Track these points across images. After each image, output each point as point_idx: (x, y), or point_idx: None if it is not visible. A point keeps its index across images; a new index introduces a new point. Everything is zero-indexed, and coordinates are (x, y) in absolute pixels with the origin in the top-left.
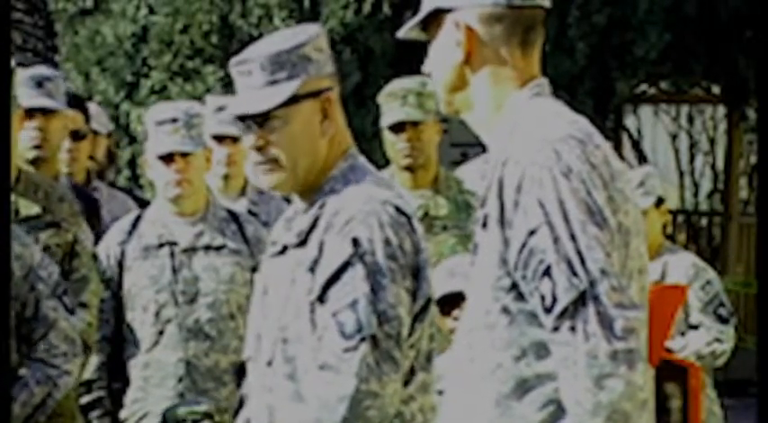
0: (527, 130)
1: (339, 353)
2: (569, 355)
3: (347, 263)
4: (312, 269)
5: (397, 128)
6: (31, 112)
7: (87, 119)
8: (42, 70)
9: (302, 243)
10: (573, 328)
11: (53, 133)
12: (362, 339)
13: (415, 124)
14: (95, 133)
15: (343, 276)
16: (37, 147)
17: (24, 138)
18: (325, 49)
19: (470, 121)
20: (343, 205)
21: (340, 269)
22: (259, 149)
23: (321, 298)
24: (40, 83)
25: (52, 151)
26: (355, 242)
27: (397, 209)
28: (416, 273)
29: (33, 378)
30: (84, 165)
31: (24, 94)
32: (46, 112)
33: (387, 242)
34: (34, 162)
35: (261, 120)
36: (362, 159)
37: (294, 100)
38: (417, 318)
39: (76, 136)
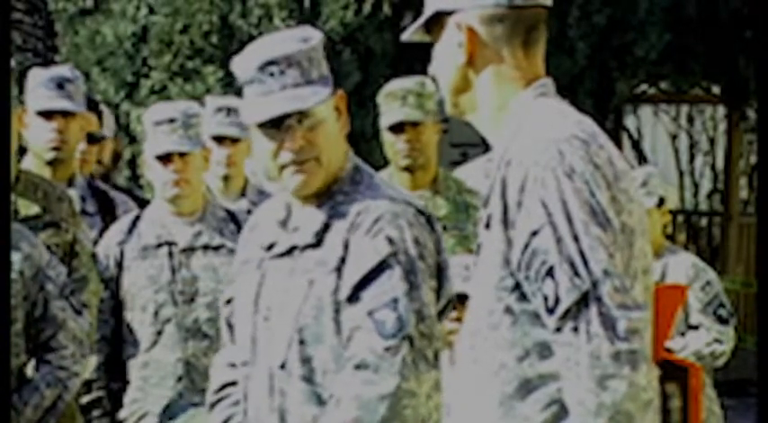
0: (531, 129)
1: (380, 352)
2: (572, 355)
3: (384, 262)
4: (339, 269)
5: (397, 128)
6: (50, 114)
7: (101, 122)
8: (63, 71)
9: (318, 243)
10: (576, 329)
11: (72, 135)
12: (403, 338)
13: (414, 125)
14: (103, 137)
15: (381, 276)
16: (55, 148)
17: (43, 139)
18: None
19: (475, 122)
20: (366, 206)
21: (376, 268)
22: (299, 150)
23: (352, 297)
24: (60, 84)
25: (70, 153)
26: (390, 241)
27: (418, 210)
28: (439, 272)
29: (43, 381)
30: (91, 167)
31: (44, 95)
32: (65, 114)
33: (416, 241)
34: (52, 163)
35: (300, 119)
36: (358, 159)
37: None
38: (439, 317)
39: (91, 139)
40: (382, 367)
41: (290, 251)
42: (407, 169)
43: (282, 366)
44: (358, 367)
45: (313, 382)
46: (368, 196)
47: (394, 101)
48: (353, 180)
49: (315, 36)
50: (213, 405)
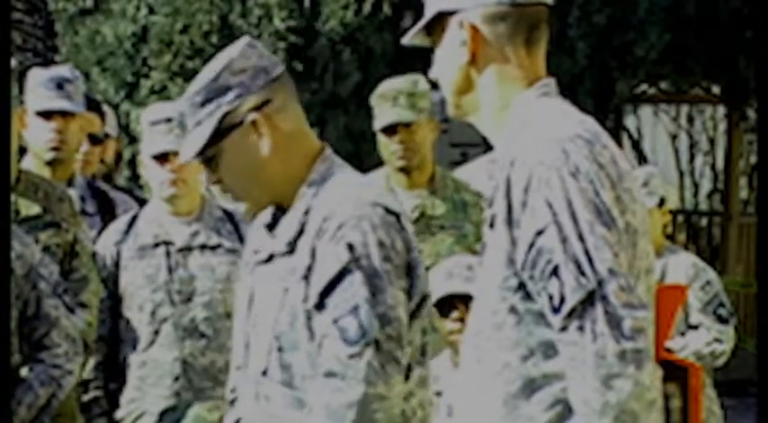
0: (535, 129)
1: (344, 359)
2: (577, 355)
3: (345, 269)
4: (306, 277)
5: (390, 130)
6: (49, 114)
7: (104, 122)
8: (62, 71)
9: (291, 251)
10: (581, 328)
11: (71, 135)
12: (367, 344)
13: (407, 125)
14: (106, 136)
15: (342, 283)
16: (55, 149)
17: (43, 139)
18: (249, 65)
19: (477, 123)
20: (332, 211)
21: (337, 276)
22: (216, 184)
23: (318, 305)
24: (60, 85)
25: (70, 153)
26: (350, 247)
27: (386, 209)
28: (409, 271)
29: (37, 379)
30: (94, 168)
31: (44, 95)
32: (65, 115)
33: (380, 244)
34: (51, 163)
35: (200, 159)
36: (339, 160)
37: (217, 136)
38: (414, 315)
39: (94, 140)
40: (348, 375)
41: (270, 258)
42: (403, 170)
43: (264, 373)
44: (326, 375)
45: (293, 386)
46: (335, 200)
47: (385, 102)
48: (327, 181)
49: (216, 66)
50: (231, 402)
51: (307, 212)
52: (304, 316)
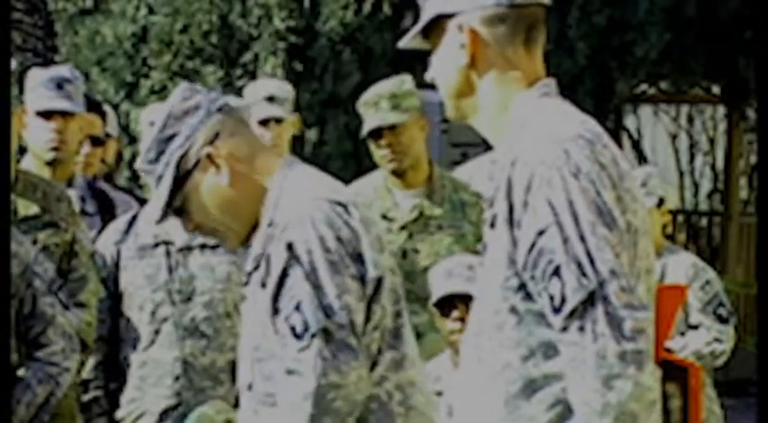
0: (536, 129)
1: (295, 355)
2: (578, 355)
3: (285, 268)
4: (264, 284)
5: (375, 135)
6: (49, 114)
7: (105, 122)
8: (62, 71)
9: (258, 266)
10: (582, 329)
11: (71, 135)
12: (313, 336)
13: (392, 128)
14: (107, 136)
15: (287, 282)
16: (55, 149)
17: (42, 139)
18: (190, 106)
19: (477, 125)
20: (281, 218)
21: (281, 277)
22: (196, 230)
23: (274, 310)
24: (60, 85)
25: (69, 153)
26: (290, 247)
27: (330, 201)
28: (359, 258)
29: (35, 378)
30: (95, 169)
31: (44, 95)
32: (65, 115)
33: (321, 239)
34: (51, 163)
35: (171, 212)
36: (299, 164)
37: (179, 182)
38: (372, 300)
39: (95, 141)
40: (300, 369)
41: (249, 278)
42: (396, 173)
43: (250, 387)
44: (287, 373)
45: (274, 395)
46: (283, 207)
47: (368, 109)
48: (282, 190)
49: (160, 117)
50: None
51: (270, 225)
52: (271, 323)
